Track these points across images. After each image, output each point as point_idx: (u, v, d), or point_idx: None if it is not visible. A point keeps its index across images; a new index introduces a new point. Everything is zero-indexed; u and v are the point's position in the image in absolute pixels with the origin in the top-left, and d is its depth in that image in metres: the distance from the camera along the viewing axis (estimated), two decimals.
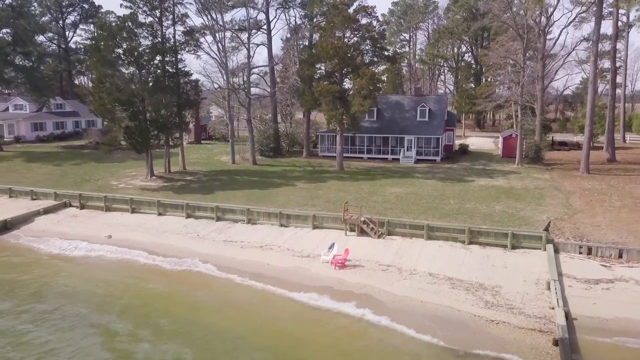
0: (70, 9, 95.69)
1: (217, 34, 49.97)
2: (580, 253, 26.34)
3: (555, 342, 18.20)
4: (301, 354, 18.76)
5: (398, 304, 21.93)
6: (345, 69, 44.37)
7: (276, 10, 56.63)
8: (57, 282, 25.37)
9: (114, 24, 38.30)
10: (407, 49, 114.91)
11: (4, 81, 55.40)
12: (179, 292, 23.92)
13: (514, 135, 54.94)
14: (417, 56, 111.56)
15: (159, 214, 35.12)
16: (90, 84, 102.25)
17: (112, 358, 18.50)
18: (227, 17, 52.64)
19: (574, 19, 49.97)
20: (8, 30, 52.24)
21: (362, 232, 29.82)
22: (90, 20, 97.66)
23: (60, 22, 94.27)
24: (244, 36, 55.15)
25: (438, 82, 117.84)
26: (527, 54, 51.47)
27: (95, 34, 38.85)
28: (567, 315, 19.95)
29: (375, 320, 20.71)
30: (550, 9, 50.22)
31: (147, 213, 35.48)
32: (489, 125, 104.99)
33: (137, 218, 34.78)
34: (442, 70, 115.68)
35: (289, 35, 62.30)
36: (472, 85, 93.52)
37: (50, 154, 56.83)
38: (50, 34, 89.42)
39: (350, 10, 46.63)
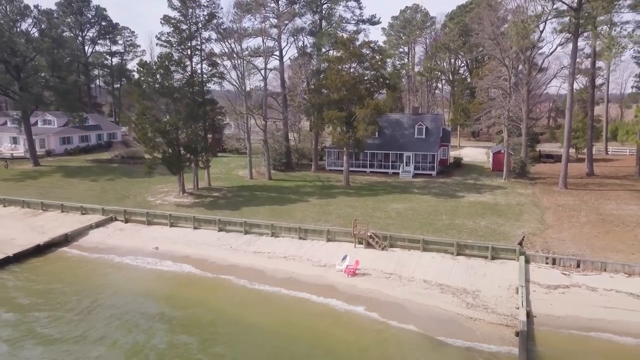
0: (89, 25, 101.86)
1: (234, 61, 56.13)
2: (547, 263, 32.47)
3: (517, 334, 24.27)
4: (327, 342, 24.87)
5: (399, 305, 27.98)
6: (351, 98, 50.38)
7: (287, 38, 62.78)
8: (124, 284, 31.47)
9: (153, 63, 44.27)
10: (406, 60, 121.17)
11: (43, 104, 61.45)
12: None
13: (502, 151, 61.00)
14: (415, 68, 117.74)
15: (194, 228, 41.17)
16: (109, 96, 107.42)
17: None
18: (243, 44, 58.40)
19: (555, 49, 56.19)
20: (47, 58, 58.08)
21: (369, 245, 35.90)
22: (108, 36, 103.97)
23: (80, 38, 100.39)
24: (256, 61, 61.44)
25: (436, 91, 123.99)
26: (514, 78, 57.62)
27: (137, 72, 44.70)
28: (529, 314, 26.07)
29: (381, 317, 26.80)
30: (534, 39, 56.16)
31: (184, 227, 41.53)
32: (484, 133, 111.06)
33: (176, 231, 40.81)
34: (439, 81, 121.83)
35: (297, 55, 68.52)
36: (468, 98, 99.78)
37: (83, 169, 62.92)
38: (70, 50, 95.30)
39: (357, 43, 52.86)
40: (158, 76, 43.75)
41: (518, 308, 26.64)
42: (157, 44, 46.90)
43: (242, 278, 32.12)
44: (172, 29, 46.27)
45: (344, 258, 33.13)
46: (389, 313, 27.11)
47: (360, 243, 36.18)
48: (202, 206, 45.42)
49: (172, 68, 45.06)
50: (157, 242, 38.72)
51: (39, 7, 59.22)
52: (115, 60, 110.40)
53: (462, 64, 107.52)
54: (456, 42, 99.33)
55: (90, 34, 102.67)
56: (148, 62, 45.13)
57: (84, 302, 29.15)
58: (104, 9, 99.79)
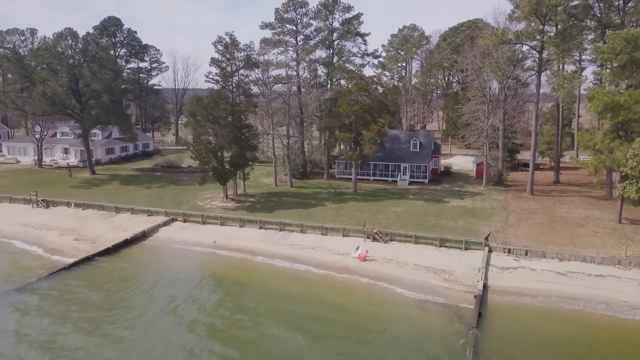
0: (120, 45, 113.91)
1: (261, 88, 68.57)
2: (504, 252, 44.78)
3: (475, 297, 36.61)
4: (345, 300, 37.09)
5: (397, 280, 40.30)
6: (359, 123, 62.69)
7: (304, 67, 75.13)
8: (200, 266, 43.74)
9: (205, 99, 56.55)
10: (404, 73, 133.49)
11: (102, 123, 73.78)
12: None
13: (484, 161, 73.40)
14: (412, 80, 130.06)
15: (240, 226, 53.41)
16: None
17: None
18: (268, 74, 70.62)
19: (526, 80, 68.47)
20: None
21: (375, 239, 48.18)
22: (139, 55, 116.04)
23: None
24: (276, 87, 73.92)
25: (431, 102, 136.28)
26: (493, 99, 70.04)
27: (191, 105, 56.94)
28: (485, 285, 38.41)
29: (385, 287, 39.14)
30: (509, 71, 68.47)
31: (232, 226, 53.74)
32: (474, 140, 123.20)
33: (225, 229, 53.03)
34: (435, 93, 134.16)
35: (309, 76, 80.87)
36: (459, 112, 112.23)
37: (133, 177, 75.18)
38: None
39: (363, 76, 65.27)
40: (208, 108, 55.95)
41: (478, 282, 39.02)
42: (205, 81, 59.26)
43: (284, 262, 44.47)
44: (217, 69, 58.46)
45: (357, 248, 45.45)
46: (391, 284, 39.49)
47: (368, 238, 48.43)
48: (243, 209, 57.71)
49: (219, 101, 57.22)
50: (213, 237, 50.89)
51: (98, 43, 71.23)
52: (142, 75, 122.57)
53: (454, 80, 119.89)
54: (448, 60, 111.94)
55: (122, 53, 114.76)
56: (201, 97, 57.35)
57: (183, 275, 41.53)
58: (135, 32, 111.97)
